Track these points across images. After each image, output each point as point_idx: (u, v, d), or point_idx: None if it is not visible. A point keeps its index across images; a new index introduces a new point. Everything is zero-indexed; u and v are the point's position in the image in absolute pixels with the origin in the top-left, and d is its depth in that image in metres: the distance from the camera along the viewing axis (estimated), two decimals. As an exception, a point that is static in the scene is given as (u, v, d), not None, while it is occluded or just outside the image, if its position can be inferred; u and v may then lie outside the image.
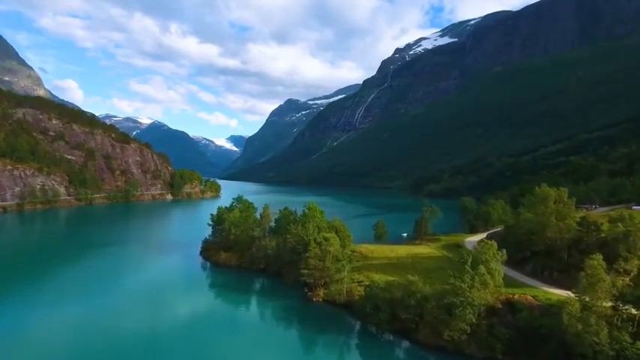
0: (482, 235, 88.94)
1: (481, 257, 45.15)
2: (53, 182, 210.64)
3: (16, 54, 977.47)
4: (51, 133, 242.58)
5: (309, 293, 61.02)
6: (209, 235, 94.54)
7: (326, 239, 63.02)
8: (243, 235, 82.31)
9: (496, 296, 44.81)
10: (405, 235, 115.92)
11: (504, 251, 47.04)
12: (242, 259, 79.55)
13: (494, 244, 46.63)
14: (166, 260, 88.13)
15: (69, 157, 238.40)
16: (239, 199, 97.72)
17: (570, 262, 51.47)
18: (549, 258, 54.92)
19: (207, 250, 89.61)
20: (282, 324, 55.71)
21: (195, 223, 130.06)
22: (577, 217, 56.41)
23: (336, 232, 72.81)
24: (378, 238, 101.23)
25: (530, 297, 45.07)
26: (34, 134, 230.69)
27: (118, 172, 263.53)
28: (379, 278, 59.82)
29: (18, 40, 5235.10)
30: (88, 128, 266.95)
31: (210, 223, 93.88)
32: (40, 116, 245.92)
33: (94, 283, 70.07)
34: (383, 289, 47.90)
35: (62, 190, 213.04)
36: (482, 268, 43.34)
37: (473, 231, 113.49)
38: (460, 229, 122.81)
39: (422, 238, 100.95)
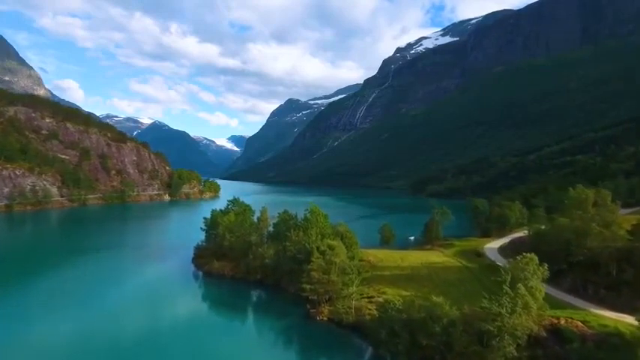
0: (502, 241, 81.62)
1: (519, 274, 37.63)
2: (45, 182, 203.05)
3: (17, 54, 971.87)
4: (44, 132, 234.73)
5: (311, 310, 53.14)
6: (201, 241, 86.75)
7: (331, 248, 55.44)
8: (238, 241, 74.65)
9: (539, 321, 37.28)
10: (412, 238, 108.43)
11: (545, 266, 39.49)
12: (237, 268, 71.67)
13: (535, 257, 39.10)
14: (154, 268, 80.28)
15: (62, 156, 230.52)
16: (235, 201, 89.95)
17: (621, 277, 43.99)
18: (592, 272, 47.25)
19: (200, 257, 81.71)
20: (280, 347, 48.11)
21: (191, 225, 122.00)
22: (626, 224, 48.73)
23: (342, 239, 65.43)
24: (385, 243, 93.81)
25: (579, 322, 37.54)
26: (26, 133, 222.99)
27: (113, 172, 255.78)
28: (392, 293, 52.30)
29: (18, 40, 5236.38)
30: (83, 127, 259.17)
31: (204, 227, 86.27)
32: (33, 114, 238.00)
33: (70, 294, 62.55)
34: (400, 311, 40.36)
35: (54, 190, 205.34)
36: (522, 288, 35.78)
37: (485, 235, 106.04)
38: (469, 232, 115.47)
39: (433, 243, 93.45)
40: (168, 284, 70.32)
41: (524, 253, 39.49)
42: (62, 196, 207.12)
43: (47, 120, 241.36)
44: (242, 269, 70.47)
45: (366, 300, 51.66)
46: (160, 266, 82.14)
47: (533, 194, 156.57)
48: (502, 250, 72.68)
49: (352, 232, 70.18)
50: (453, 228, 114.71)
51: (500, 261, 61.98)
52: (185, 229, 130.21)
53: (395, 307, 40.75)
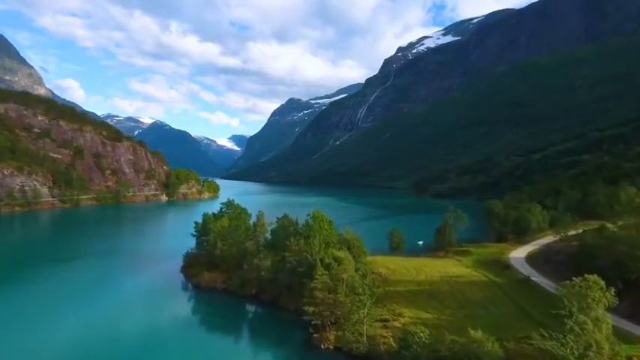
0: (526, 249, 73.28)
1: (581, 302, 29.57)
2: (35, 182, 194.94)
3: (17, 53, 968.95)
4: (35, 130, 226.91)
5: (314, 335, 44.82)
6: (191, 248, 78.39)
7: (337, 260, 47.27)
8: (231, 249, 66.51)
9: (609, 364, 29.20)
10: (421, 243, 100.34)
11: (612, 291, 31.44)
12: (230, 280, 63.39)
13: (599, 280, 31.06)
14: (139, 278, 71.83)
15: (55, 155, 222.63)
16: (229, 204, 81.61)
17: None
18: (657, 294, 39.27)
19: (190, 266, 73.39)
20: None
21: (187, 227, 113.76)
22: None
23: (349, 248, 57.39)
24: (394, 250, 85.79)
25: (662, 366, 29.64)
26: (16, 131, 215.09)
27: (108, 172, 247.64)
28: (410, 316, 44.24)
29: (19, 40, 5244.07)
30: (77, 125, 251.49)
31: (194, 233, 78.07)
32: (25, 112, 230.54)
33: (42, 310, 54.60)
34: (426, 345, 32.33)
35: (45, 190, 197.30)
36: (589, 323, 27.69)
37: (501, 240, 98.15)
38: (480, 236, 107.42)
39: (446, 250, 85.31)
40: (152, 298, 61.96)
41: (586, 275, 31.29)
42: (53, 197, 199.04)
43: (39, 118, 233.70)
44: (235, 282, 62.19)
45: (380, 324, 43.31)
46: (145, 276, 73.84)
47: (544, 194, 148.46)
48: (531, 260, 64.23)
49: (360, 239, 62.14)
50: (461, 231, 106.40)
51: (534, 275, 53.86)
52: (180, 232, 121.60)
53: (420, 342, 32.67)
